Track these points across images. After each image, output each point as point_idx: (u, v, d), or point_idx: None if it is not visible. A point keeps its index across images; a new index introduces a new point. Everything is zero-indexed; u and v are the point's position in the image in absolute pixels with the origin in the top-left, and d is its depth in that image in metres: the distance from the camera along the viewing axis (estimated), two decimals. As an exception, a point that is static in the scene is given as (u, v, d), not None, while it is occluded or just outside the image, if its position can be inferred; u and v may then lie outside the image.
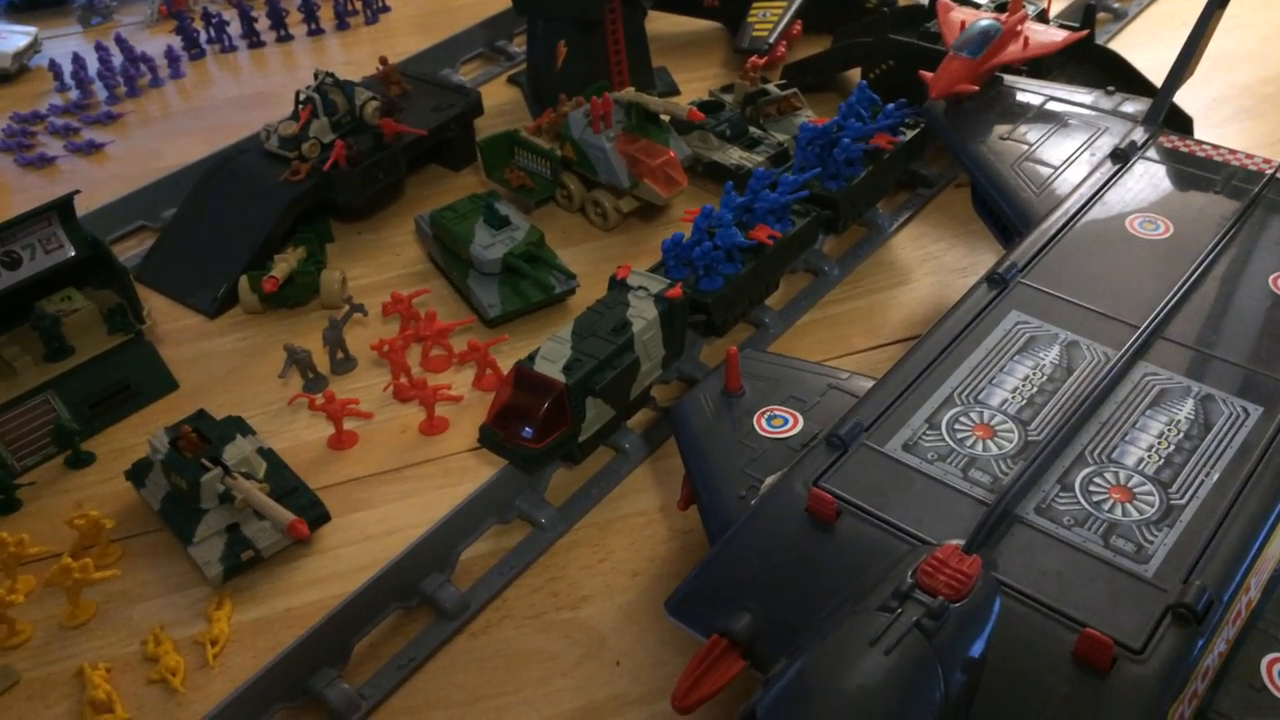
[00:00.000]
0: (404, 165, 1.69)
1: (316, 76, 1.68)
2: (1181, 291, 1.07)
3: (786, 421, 1.07)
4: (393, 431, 1.34)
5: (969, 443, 0.94)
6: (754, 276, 1.38)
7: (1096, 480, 0.89)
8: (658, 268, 1.38)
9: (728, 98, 1.87)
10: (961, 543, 0.82)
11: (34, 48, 2.35)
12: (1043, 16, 1.76)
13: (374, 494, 1.26)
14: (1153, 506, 0.87)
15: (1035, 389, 0.98)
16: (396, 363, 1.39)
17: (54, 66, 2.23)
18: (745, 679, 0.83)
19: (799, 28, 2.10)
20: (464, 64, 2.19)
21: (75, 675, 1.09)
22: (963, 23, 1.54)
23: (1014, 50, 1.49)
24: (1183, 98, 1.44)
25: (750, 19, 2.05)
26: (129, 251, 1.71)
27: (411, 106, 1.78)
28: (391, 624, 1.11)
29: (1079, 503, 0.87)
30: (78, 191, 1.40)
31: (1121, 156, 1.29)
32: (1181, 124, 1.53)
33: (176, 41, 2.33)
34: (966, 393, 0.99)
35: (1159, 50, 1.57)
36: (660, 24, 2.19)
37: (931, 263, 1.57)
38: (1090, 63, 1.71)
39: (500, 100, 2.02)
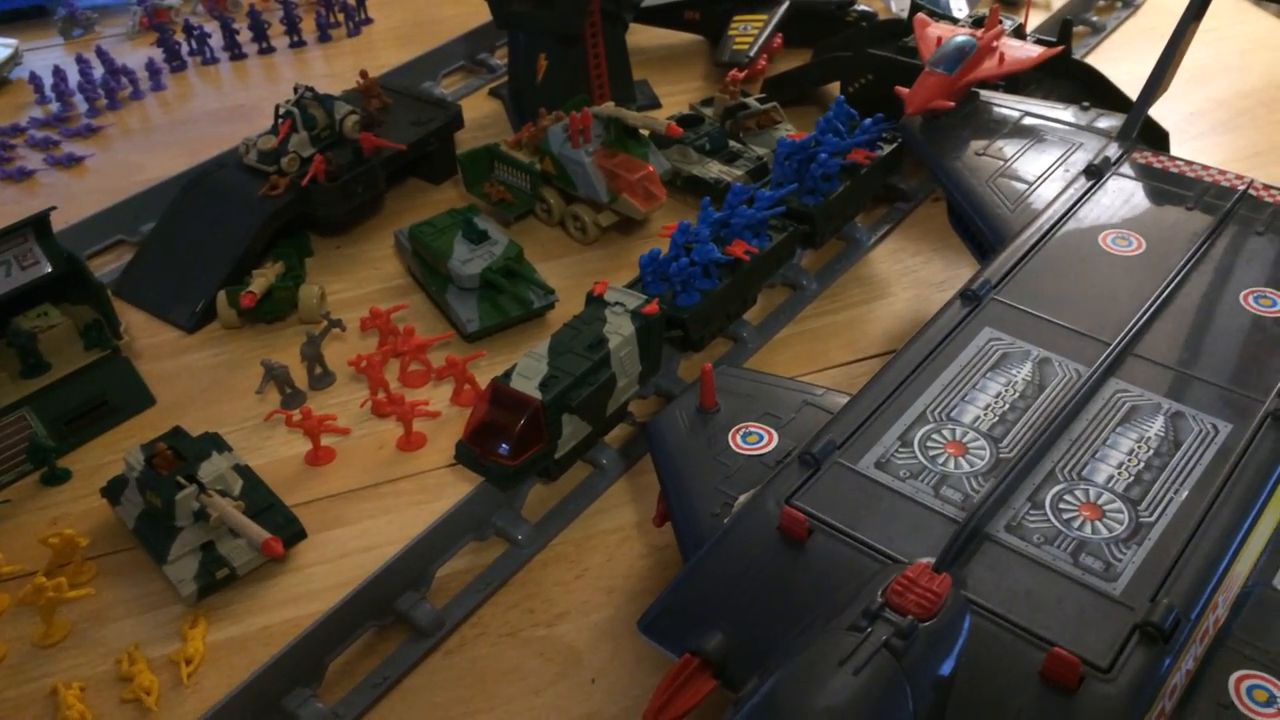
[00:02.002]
0: (383, 180, 1.69)
1: (296, 91, 1.68)
2: (1153, 308, 1.08)
3: (761, 438, 1.07)
4: (370, 447, 1.34)
5: (941, 460, 0.94)
6: (731, 292, 1.39)
7: (1067, 498, 0.90)
8: (635, 283, 1.38)
9: (708, 111, 1.88)
10: (932, 561, 0.82)
11: (14, 60, 2.35)
12: (1019, 32, 1.77)
13: (351, 510, 1.26)
14: (1122, 524, 0.87)
15: (1007, 406, 0.99)
16: (374, 378, 1.39)
17: (34, 79, 2.23)
18: (717, 698, 0.83)
19: (779, 41, 2.11)
20: (445, 76, 2.20)
21: (49, 695, 1.08)
22: (939, 38, 1.54)
23: (990, 66, 1.50)
24: (1159, 111, 1.45)
25: (731, 32, 2.06)
26: (108, 266, 1.71)
27: (392, 120, 1.78)
28: (366, 642, 1.10)
29: (1049, 520, 0.88)
30: (54, 208, 1.40)
31: (1095, 172, 1.30)
32: (1157, 138, 1.54)
33: (158, 54, 2.33)
34: (939, 410, 0.99)
35: (1136, 64, 1.58)
36: (641, 36, 2.20)
37: (909, 276, 1.58)
38: (1067, 77, 1.72)
39: (481, 113, 2.03)
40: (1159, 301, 1.09)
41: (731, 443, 1.07)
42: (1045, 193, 1.29)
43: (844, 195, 1.52)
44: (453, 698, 1.06)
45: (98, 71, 2.25)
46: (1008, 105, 1.49)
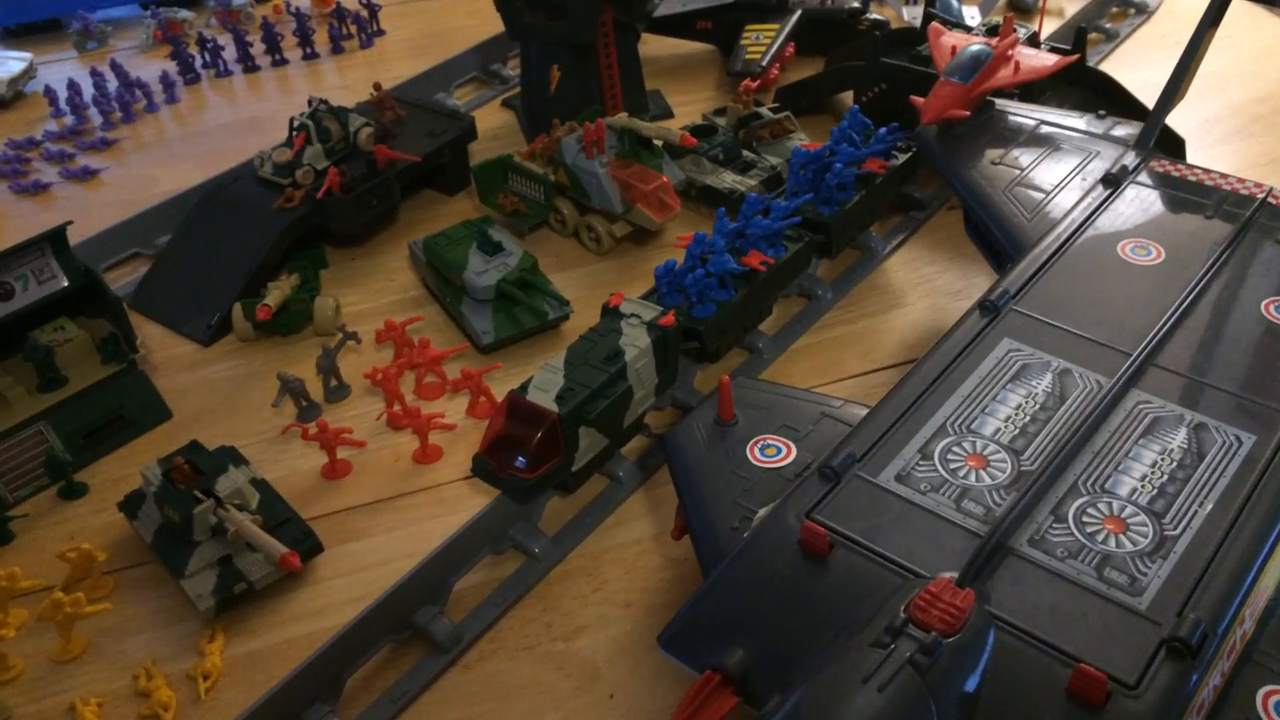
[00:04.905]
0: (398, 191, 1.70)
1: (310, 103, 1.68)
2: (1173, 318, 1.07)
3: (780, 451, 1.06)
4: (386, 460, 1.34)
5: (962, 473, 0.93)
6: (747, 303, 1.38)
7: (1090, 511, 0.89)
8: (651, 294, 1.37)
9: (721, 121, 1.87)
10: (955, 575, 0.82)
11: (29, 74, 2.36)
12: (1034, 40, 1.76)
13: (367, 524, 1.26)
14: (1146, 538, 0.86)
15: (1028, 418, 0.98)
16: (390, 391, 1.39)
17: (49, 92, 2.24)
18: (739, 715, 0.82)
19: (792, 50, 2.10)
20: (458, 88, 2.20)
21: (67, 711, 1.08)
22: (954, 48, 1.54)
23: (1005, 75, 1.49)
24: (1175, 119, 1.44)
25: (743, 42, 2.06)
26: (124, 279, 1.71)
27: (406, 132, 1.79)
28: (384, 657, 1.10)
29: (1072, 534, 0.87)
30: (70, 222, 1.40)
31: (1113, 181, 1.29)
32: (1174, 145, 1.53)
33: (172, 66, 2.33)
34: (959, 422, 0.98)
35: (1151, 71, 1.58)
36: (654, 47, 2.20)
37: (925, 286, 1.57)
38: (1082, 85, 1.71)
39: (494, 124, 2.03)
40: (1179, 311, 1.08)
41: (750, 455, 1.06)
42: (1062, 201, 1.28)
43: (859, 205, 1.51)
44: (471, 713, 1.05)
45: (112, 84, 2.25)
46: (1023, 114, 1.48)
